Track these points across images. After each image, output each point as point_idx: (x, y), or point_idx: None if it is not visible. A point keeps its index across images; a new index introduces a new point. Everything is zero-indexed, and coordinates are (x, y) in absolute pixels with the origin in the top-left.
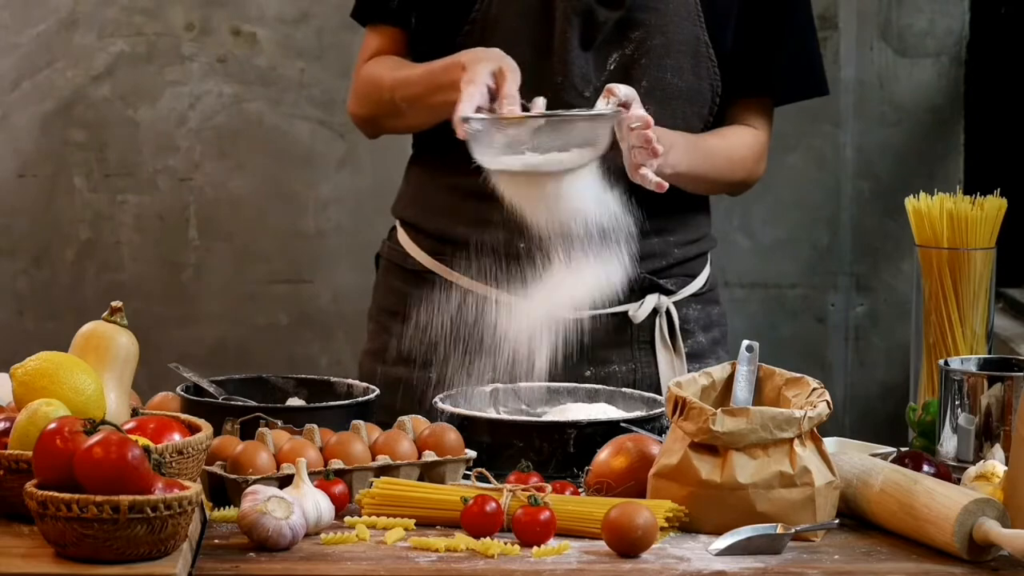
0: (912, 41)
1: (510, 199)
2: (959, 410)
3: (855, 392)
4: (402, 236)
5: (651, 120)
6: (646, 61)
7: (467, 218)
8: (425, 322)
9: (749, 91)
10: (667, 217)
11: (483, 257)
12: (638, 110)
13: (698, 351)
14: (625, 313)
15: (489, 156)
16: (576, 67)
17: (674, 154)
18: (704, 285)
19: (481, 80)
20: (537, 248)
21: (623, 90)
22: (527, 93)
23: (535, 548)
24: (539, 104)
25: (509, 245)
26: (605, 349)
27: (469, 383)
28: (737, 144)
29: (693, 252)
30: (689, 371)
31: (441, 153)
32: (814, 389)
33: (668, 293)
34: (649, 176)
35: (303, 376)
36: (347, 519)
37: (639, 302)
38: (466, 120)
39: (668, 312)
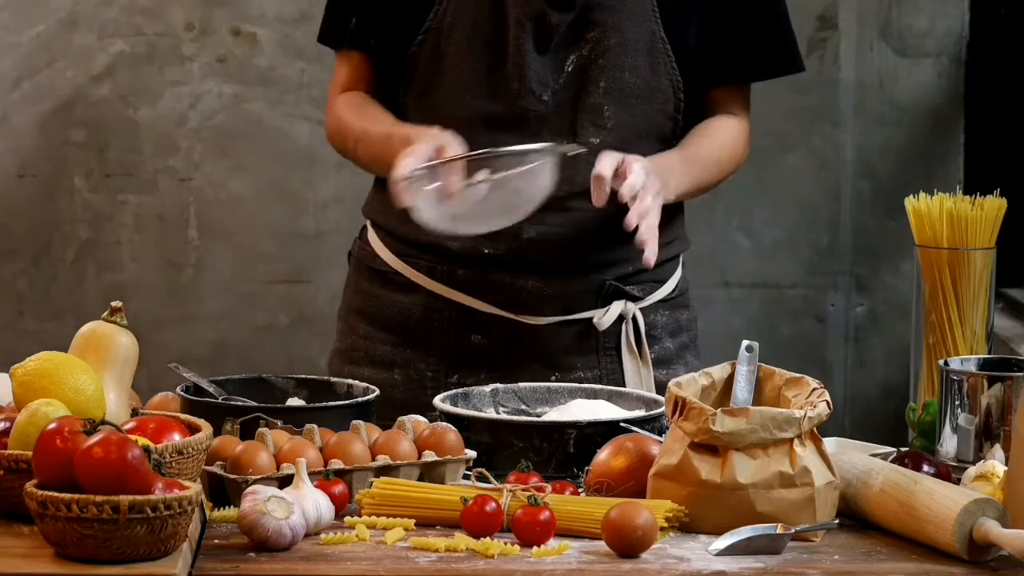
0: (912, 41)
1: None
2: (959, 410)
3: (855, 392)
4: (372, 236)
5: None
6: (603, 61)
7: None
8: (391, 323)
9: (722, 79)
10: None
11: (449, 263)
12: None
13: (665, 357)
14: (590, 319)
15: (437, 219)
16: (532, 72)
17: (674, 179)
18: (674, 290)
19: (420, 152)
20: (503, 254)
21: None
22: (485, 101)
23: (535, 548)
24: (480, 177)
25: (475, 251)
26: (570, 356)
27: (435, 386)
28: (726, 142)
29: (663, 256)
30: (656, 377)
31: None
32: (814, 389)
33: (635, 299)
34: (648, 256)
35: (303, 376)
36: (347, 519)
37: (604, 309)
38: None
39: (634, 318)
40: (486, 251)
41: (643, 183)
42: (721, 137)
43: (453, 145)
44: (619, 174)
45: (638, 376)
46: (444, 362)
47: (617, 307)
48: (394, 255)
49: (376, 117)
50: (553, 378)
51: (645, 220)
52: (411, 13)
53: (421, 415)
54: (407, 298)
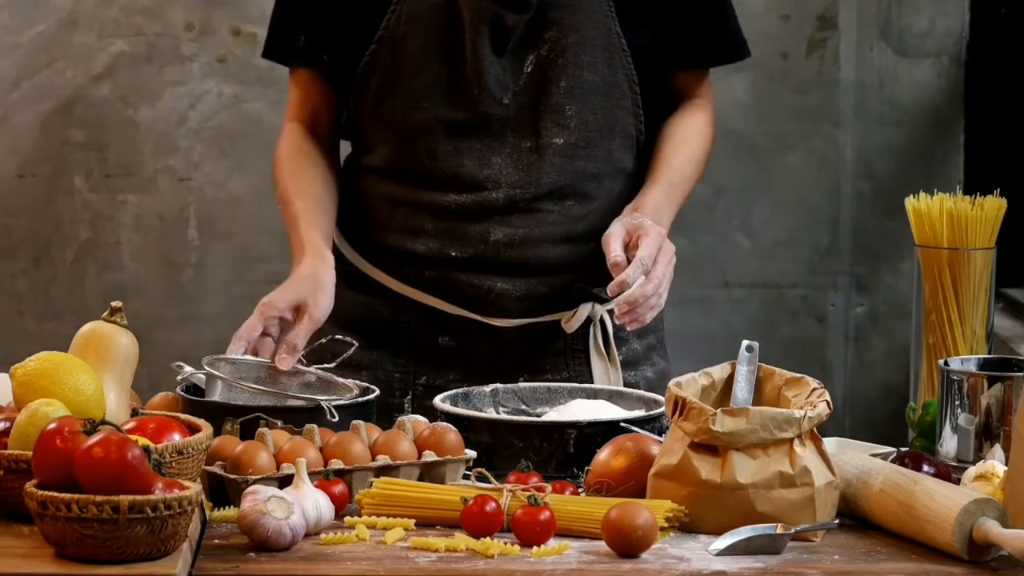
0: (912, 41)
1: None
2: (959, 410)
3: (855, 392)
4: (338, 238)
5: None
6: (563, 60)
7: (399, 227)
8: (359, 325)
9: (682, 64)
10: (604, 223)
11: (416, 264)
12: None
13: (633, 358)
14: (558, 321)
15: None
16: (491, 75)
17: (665, 218)
18: None
19: (251, 330)
20: (469, 256)
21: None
22: (444, 108)
23: (535, 548)
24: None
25: (441, 253)
26: (538, 358)
27: (403, 387)
28: (698, 142)
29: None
30: (624, 379)
31: (376, 163)
32: (814, 389)
33: (602, 301)
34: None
35: None
36: (347, 519)
37: (572, 311)
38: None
39: (602, 320)
40: (453, 253)
41: (654, 256)
42: (693, 138)
43: (310, 312)
44: (630, 248)
45: (607, 377)
46: (412, 363)
47: (585, 309)
48: (361, 256)
49: (302, 188)
50: (522, 379)
51: (647, 302)
52: (362, 23)
53: (390, 417)
54: (374, 300)
